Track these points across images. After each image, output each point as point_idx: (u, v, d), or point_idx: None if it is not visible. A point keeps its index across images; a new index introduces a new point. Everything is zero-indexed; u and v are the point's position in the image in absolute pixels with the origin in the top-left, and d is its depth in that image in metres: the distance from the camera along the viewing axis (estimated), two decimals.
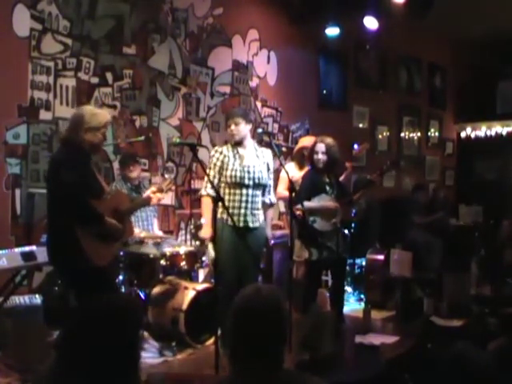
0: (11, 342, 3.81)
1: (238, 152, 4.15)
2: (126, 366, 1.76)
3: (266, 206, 4.32)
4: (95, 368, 1.69)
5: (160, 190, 3.75)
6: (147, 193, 3.77)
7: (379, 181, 4.87)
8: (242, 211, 4.08)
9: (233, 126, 4.12)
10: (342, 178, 5.08)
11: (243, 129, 4.13)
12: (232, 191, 4.10)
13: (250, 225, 4.11)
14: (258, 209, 4.17)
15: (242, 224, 4.06)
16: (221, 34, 6.30)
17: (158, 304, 4.37)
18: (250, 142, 4.24)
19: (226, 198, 4.06)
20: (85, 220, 3.25)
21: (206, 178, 4.09)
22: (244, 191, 4.09)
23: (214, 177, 4.10)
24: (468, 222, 8.22)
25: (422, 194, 7.49)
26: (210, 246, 3.94)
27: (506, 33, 8.41)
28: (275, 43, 6.91)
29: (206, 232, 4.09)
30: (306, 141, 5.49)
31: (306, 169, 5.19)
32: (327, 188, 4.56)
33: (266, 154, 4.28)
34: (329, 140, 4.53)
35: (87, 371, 1.68)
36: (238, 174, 4.07)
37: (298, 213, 4.39)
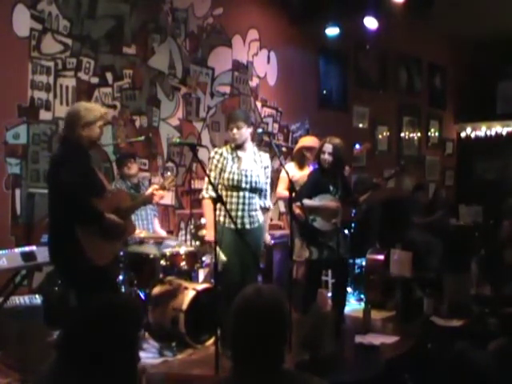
0: (11, 342, 3.81)
1: (237, 155, 4.17)
2: (126, 366, 1.76)
3: (261, 210, 4.31)
4: (95, 368, 1.69)
5: (162, 188, 3.75)
6: (149, 190, 3.77)
7: (384, 185, 4.87)
8: (240, 213, 4.11)
9: (235, 130, 4.12)
10: None
11: (245, 132, 4.14)
12: (229, 193, 4.12)
13: (247, 226, 4.13)
14: (255, 210, 4.19)
15: (239, 226, 4.08)
16: (221, 34, 6.30)
17: (158, 304, 4.37)
18: (249, 145, 4.25)
19: (224, 200, 4.06)
20: (85, 219, 3.25)
21: (206, 180, 4.10)
22: (241, 193, 4.12)
23: (215, 178, 4.11)
24: (468, 222, 8.23)
25: (421, 193, 7.49)
26: (219, 251, 3.93)
27: (506, 33, 8.41)
28: (275, 43, 6.91)
29: (210, 235, 4.08)
30: (306, 141, 5.49)
31: (306, 168, 5.19)
32: (330, 188, 4.56)
33: (265, 158, 4.30)
34: (337, 141, 4.53)
35: (87, 371, 1.68)
36: (236, 177, 4.09)
37: (297, 211, 4.38)
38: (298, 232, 4.60)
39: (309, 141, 5.42)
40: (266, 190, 4.31)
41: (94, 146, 3.53)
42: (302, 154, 5.35)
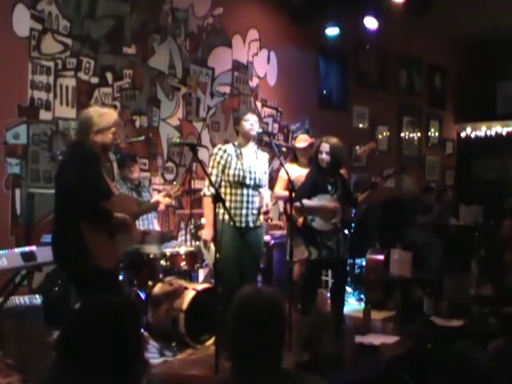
0: (11, 342, 3.81)
1: (240, 152, 4.18)
2: (127, 366, 1.76)
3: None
4: (95, 368, 1.69)
5: (168, 196, 3.77)
6: (156, 197, 3.78)
7: (382, 184, 4.85)
8: (244, 211, 4.12)
9: (253, 121, 4.16)
10: None
11: (257, 128, 4.20)
12: (233, 191, 4.13)
13: (251, 224, 4.15)
14: (258, 208, 4.21)
15: (243, 224, 4.10)
16: (221, 34, 6.30)
17: (158, 304, 4.37)
18: (251, 144, 4.29)
19: (228, 197, 4.09)
20: (95, 218, 3.21)
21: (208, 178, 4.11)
22: (245, 191, 4.13)
23: (217, 175, 4.12)
24: (468, 222, 8.22)
25: (429, 195, 7.48)
26: (212, 247, 3.96)
27: (506, 33, 8.41)
28: (275, 43, 6.91)
29: (207, 234, 4.09)
30: (297, 140, 5.41)
31: (295, 164, 5.17)
32: (329, 188, 4.55)
33: (264, 157, 4.36)
34: (334, 140, 4.51)
35: (87, 371, 1.68)
36: (241, 173, 4.10)
37: (295, 216, 4.40)
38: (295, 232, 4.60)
39: (299, 141, 5.35)
40: (265, 187, 4.34)
41: (107, 151, 3.54)
42: (294, 152, 5.33)
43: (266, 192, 4.31)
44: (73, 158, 3.32)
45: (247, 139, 4.21)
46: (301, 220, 4.47)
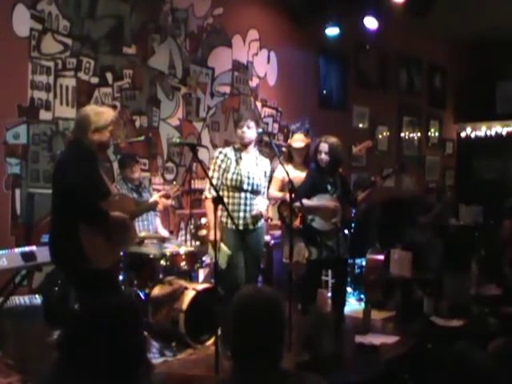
0: (11, 342, 3.81)
1: (240, 156, 4.21)
2: (128, 367, 1.76)
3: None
4: (96, 368, 1.69)
5: (167, 196, 3.77)
6: (154, 197, 3.78)
7: (382, 183, 4.84)
8: (242, 214, 4.17)
9: (245, 128, 4.16)
10: None
11: (253, 133, 4.21)
12: (231, 194, 4.18)
13: (250, 227, 4.20)
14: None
15: (241, 227, 4.14)
16: (221, 34, 6.30)
17: (158, 304, 4.36)
18: (252, 149, 4.30)
19: (226, 200, 4.12)
20: (92, 218, 3.21)
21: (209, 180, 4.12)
22: (242, 195, 4.18)
23: (218, 179, 4.16)
24: (468, 222, 8.22)
25: (430, 195, 7.48)
26: (223, 248, 4.03)
27: (506, 33, 8.41)
28: (275, 43, 6.91)
29: (214, 235, 4.11)
30: (293, 140, 5.38)
31: (291, 167, 5.14)
32: (328, 187, 4.55)
33: (265, 163, 4.38)
34: (333, 140, 4.51)
35: (87, 372, 1.68)
36: (239, 178, 4.15)
37: (285, 214, 4.40)
38: (286, 234, 4.62)
39: (295, 140, 5.32)
40: (263, 194, 4.38)
41: (104, 150, 3.54)
42: (289, 152, 5.30)
43: (263, 200, 4.31)
44: (70, 156, 3.32)
45: (243, 145, 4.23)
46: (297, 222, 4.47)
